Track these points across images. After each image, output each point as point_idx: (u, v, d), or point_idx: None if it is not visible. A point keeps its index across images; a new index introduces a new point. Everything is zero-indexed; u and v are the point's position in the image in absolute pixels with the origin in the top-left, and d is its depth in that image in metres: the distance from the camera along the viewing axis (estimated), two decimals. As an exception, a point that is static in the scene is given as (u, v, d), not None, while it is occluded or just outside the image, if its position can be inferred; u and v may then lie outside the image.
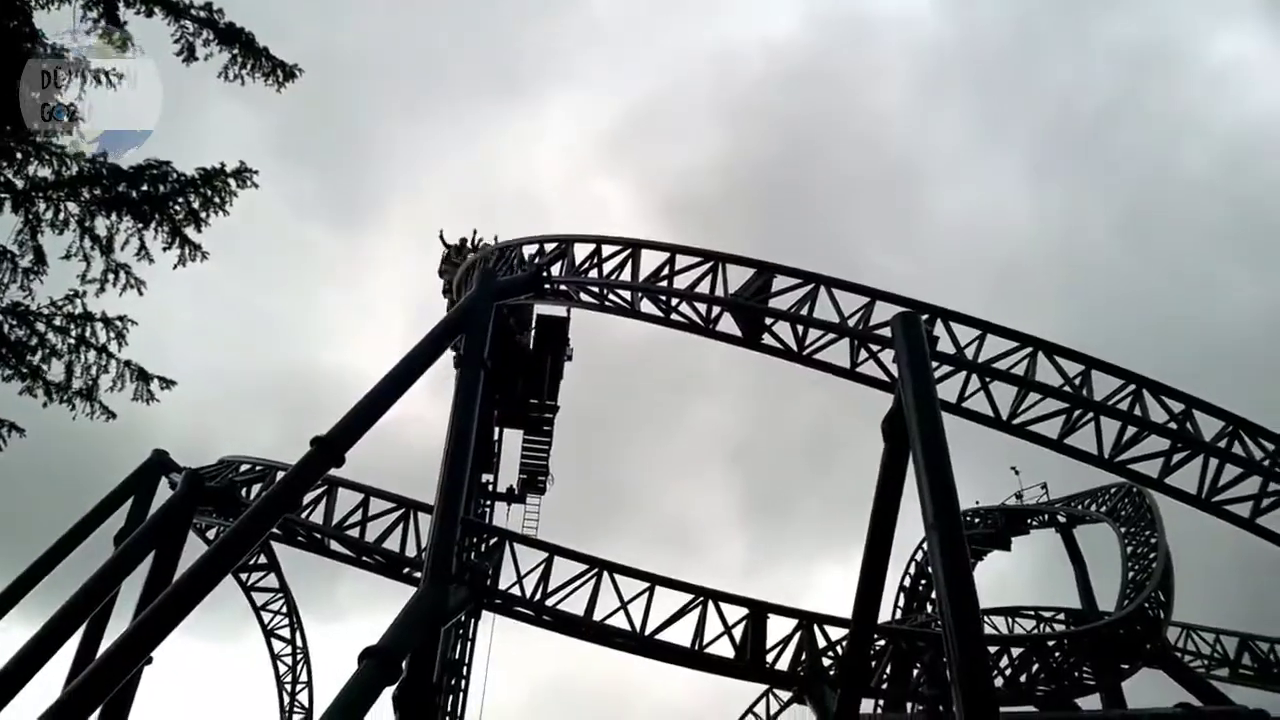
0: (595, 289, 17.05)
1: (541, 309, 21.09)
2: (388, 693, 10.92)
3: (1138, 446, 14.27)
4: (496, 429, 22.36)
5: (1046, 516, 27.08)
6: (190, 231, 9.10)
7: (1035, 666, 17.04)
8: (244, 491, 18.03)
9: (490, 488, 23.05)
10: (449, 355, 15.68)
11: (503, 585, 15.82)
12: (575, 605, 15.60)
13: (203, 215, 9.01)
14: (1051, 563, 27.41)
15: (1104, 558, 24.19)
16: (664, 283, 16.05)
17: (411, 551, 16.23)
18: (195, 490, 16.70)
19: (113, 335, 9.37)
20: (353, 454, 12.14)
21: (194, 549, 16.05)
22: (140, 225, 8.80)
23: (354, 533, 16.70)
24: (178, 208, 8.89)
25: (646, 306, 16.57)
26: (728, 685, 16.20)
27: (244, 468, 18.71)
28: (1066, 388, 14.46)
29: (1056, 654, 17.62)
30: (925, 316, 14.38)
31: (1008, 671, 16.66)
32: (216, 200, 9.06)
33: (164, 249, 9.11)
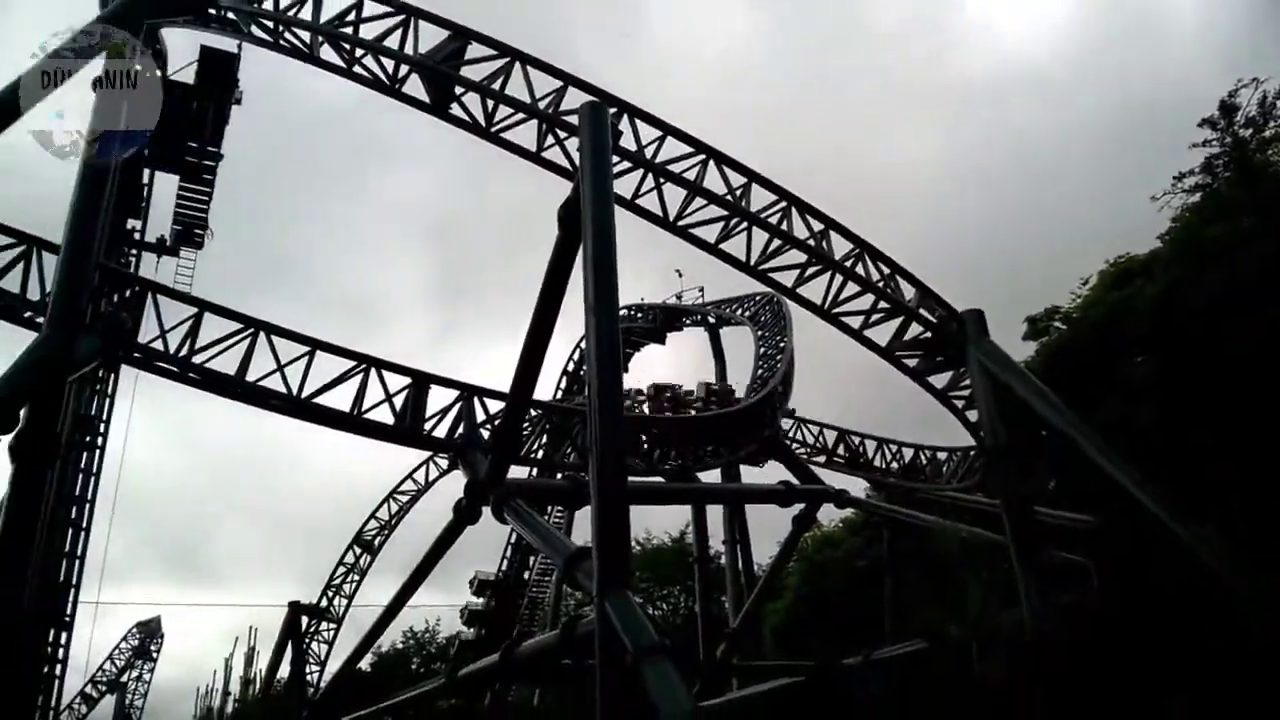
0: (269, 23, 15.32)
1: (208, 40, 18.60)
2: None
3: (780, 258, 15.92)
4: (146, 171, 20.02)
5: (700, 317, 29.65)
6: None
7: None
8: None
9: (138, 236, 20.93)
10: (86, 76, 13.51)
11: (146, 340, 14.63)
12: (227, 366, 14.87)
13: None
14: (700, 358, 30.33)
15: (744, 356, 27.06)
16: (349, 29, 14.79)
17: (35, 295, 14.40)
18: None
19: None
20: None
21: None
22: None
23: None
24: None
25: (328, 54, 15.22)
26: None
27: None
28: (729, 197, 15.61)
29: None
30: (614, 110, 14.62)
31: (645, 447, 18.52)
32: None
33: None
